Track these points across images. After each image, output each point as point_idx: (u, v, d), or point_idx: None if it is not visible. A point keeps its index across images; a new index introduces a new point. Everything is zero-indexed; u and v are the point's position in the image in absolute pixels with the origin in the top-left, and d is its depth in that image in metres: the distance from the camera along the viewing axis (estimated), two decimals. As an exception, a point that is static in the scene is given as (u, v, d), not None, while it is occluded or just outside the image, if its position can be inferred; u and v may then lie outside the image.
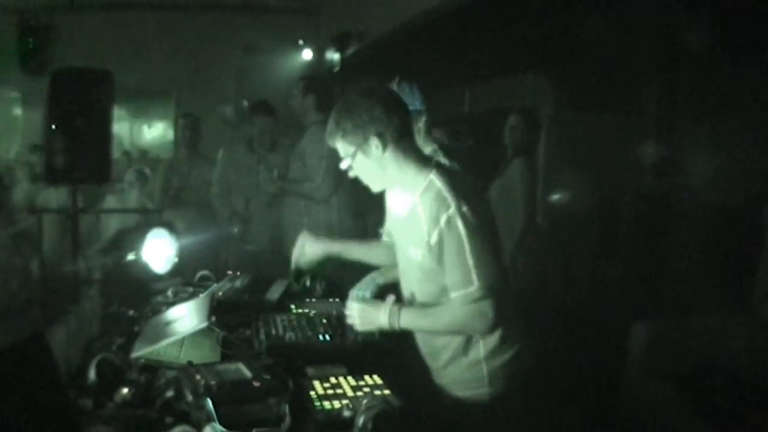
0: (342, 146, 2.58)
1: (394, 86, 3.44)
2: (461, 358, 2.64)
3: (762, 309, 4.53)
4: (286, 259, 4.69)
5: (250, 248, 5.55)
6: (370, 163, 2.54)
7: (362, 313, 2.66)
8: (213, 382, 2.18)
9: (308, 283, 3.93)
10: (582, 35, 5.53)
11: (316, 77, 5.32)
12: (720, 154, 5.04)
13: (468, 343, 2.62)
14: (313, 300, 3.69)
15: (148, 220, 5.72)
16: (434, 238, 2.46)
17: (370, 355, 2.74)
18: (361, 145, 2.50)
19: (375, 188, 2.68)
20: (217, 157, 5.86)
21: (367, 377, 2.53)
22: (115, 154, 10.44)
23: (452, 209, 2.41)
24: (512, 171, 5.00)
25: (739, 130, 4.87)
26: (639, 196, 5.50)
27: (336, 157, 3.88)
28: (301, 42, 10.06)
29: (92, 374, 2.32)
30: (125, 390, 2.22)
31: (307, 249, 3.11)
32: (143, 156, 10.73)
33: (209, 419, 2.02)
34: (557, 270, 4.81)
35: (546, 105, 6.46)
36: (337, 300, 3.68)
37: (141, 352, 2.59)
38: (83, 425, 1.99)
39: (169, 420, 2.08)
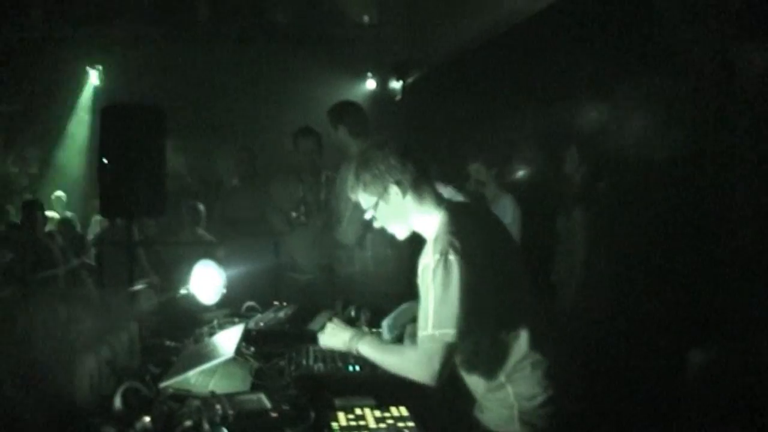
0: (364, 198, 2.70)
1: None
2: (494, 397, 2.63)
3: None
4: (336, 287, 4.74)
5: (302, 277, 5.57)
6: (393, 211, 2.66)
7: (331, 330, 2.83)
8: (231, 412, 2.20)
9: (353, 312, 3.94)
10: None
11: (344, 104, 5.21)
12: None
13: (498, 385, 2.60)
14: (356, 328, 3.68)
15: (199, 252, 5.81)
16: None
17: (401, 387, 2.71)
18: (382, 194, 2.62)
19: (400, 235, 2.77)
20: (271, 185, 5.91)
21: (393, 409, 2.52)
22: (191, 185, 10.72)
23: (436, 254, 2.42)
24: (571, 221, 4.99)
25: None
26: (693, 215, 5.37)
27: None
28: (369, 74, 10.14)
29: (118, 402, 2.36)
30: (147, 418, 2.25)
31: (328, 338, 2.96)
32: (218, 186, 10.94)
33: (224, 449, 2.03)
34: (611, 296, 4.70)
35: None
36: (380, 330, 3.67)
37: (169, 381, 2.63)
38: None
39: (186, 449, 2.10)
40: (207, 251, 5.71)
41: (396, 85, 9.08)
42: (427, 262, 2.47)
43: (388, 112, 9.32)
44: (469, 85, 7.59)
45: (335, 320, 2.90)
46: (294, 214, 5.48)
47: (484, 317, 2.49)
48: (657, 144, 5.63)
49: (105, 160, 4.16)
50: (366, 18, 9.88)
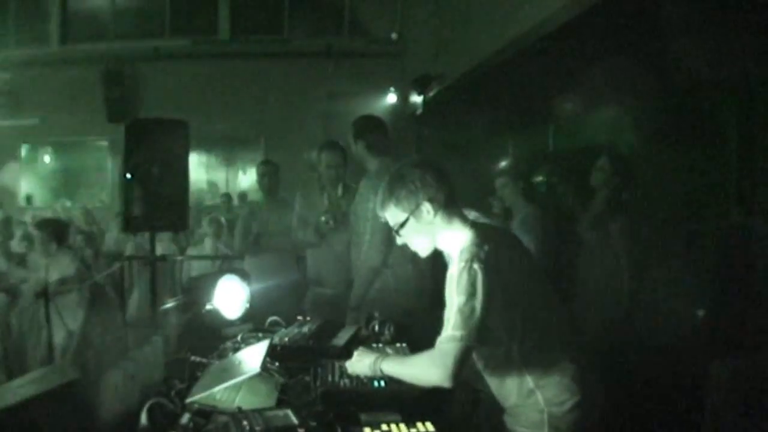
0: (394, 214, 2.73)
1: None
2: (525, 403, 2.67)
3: None
4: (356, 309, 4.72)
5: (327, 292, 5.55)
6: (421, 228, 2.71)
7: (358, 356, 2.84)
8: (258, 428, 2.19)
9: (377, 327, 3.92)
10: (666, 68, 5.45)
11: (367, 118, 5.21)
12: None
13: (528, 391, 2.64)
14: (380, 345, 3.66)
15: (223, 267, 5.82)
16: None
17: (426, 402, 2.70)
18: (414, 211, 2.67)
19: (424, 252, 2.82)
20: (295, 200, 5.92)
21: (419, 425, 2.51)
22: (215, 198, 10.77)
23: (461, 263, 2.49)
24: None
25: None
26: (722, 227, 5.34)
27: (381, 218, 3.90)
28: (392, 89, 10.16)
29: (143, 418, 2.36)
30: (173, 435, 2.24)
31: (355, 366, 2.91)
32: (243, 199, 11.00)
33: (252, 465, 2.02)
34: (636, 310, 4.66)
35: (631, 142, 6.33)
36: (404, 345, 3.65)
37: (195, 397, 2.62)
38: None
39: (212, 466, 2.09)
40: (232, 266, 5.72)
41: (417, 99, 9.07)
42: (453, 271, 2.52)
43: (409, 126, 9.32)
44: (490, 99, 7.59)
45: (362, 348, 2.92)
46: (323, 218, 5.47)
47: (512, 324, 2.57)
48: (676, 154, 5.63)
49: (129, 175, 4.17)
50: (391, 34, 9.91)
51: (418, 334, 4.25)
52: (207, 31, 9.60)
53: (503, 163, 5.83)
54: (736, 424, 4.15)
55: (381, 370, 2.72)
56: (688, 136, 5.58)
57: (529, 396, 2.64)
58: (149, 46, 9.41)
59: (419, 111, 8.93)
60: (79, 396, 1.95)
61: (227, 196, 10.90)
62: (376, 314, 4.06)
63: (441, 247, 2.75)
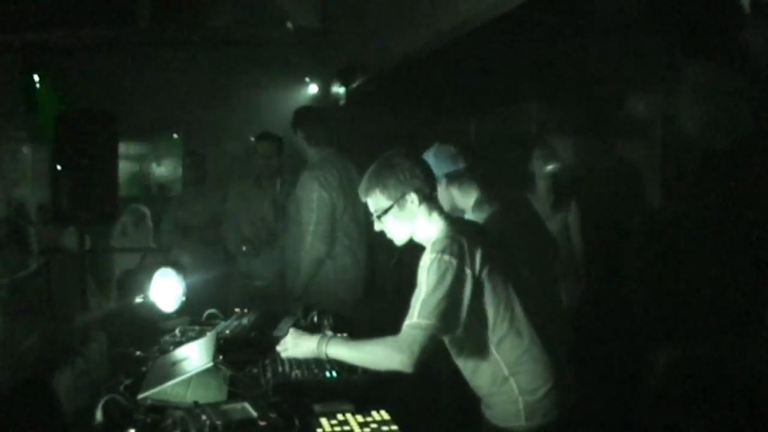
0: (377, 200, 2.76)
1: (435, 148, 3.49)
2: (499, 391, 2.71)
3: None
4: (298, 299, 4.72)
5: (257, 284, 5.54)
6: (403, 217, 2.74)
7: (294, 339, 2.82)
8: (219, 422, 2.18)
9: (316, 318, 3.94)
10: (585, 64, 5.58)
11: (306, 109, 5.25)
12: (732, 176, 5.04)
13: (503, 379, 2.68)
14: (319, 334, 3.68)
15: (155, 260, 5.73)
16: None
17: (378, 391, 2.73)
18: (398, 199, 2.71)
19: (400, 241, 2.84)
20: (227, 192, 5.89)
21: (374, 413, 2.54)
22: (131, 190, 10.54)
23: (432, 254, 2.55)
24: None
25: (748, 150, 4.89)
26: (649, 218, 5.50)
27: (327, 208, 3.96)
28: (307, 79, 10.09)
29: (99, 415, 2.32)
30: (132, 431, 2.21)
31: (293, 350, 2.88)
32: (162, 191, 10.79)
33: (216, 460, 2.02)
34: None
35: (548, 134, 6.47)
36: (345, 335, 3.67)
37: (148, 392, 2.59)
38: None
39: (175, 461, 2.07)
40: (161, 259, 5.64)
41: (340, 90, 9.04)
42: (424, 261, 2.58)
43: (331, 119, 9.29)
44: (416, 92, 7.63)
45: (293, 330, 2.90)
46: (243, 248, 5.53)
47: (483, 314, 2.61)
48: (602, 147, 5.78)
49: (59, 167, 4.08)
50: (309, 22, 9.83)
51: (356, 324, 4.31)
52: (126, 18, 9.36)
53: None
54: (672, 410, 4.30)
55: (327, 354, 2.70)
56: (614, 131, 5.74)
57: (503, 384, 2.68)
58: (68, 35, 9.15)
59: (342, 102, 8.91)
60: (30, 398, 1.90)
61: (146, 188, 10.69)
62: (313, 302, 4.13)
63: (416, 237, 2.79)
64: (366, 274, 5.00)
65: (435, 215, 2.75)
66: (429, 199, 2.73)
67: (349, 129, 8.65)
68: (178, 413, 2.38)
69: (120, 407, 2.43)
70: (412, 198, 2.70)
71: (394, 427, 2.42)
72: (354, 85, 8.61)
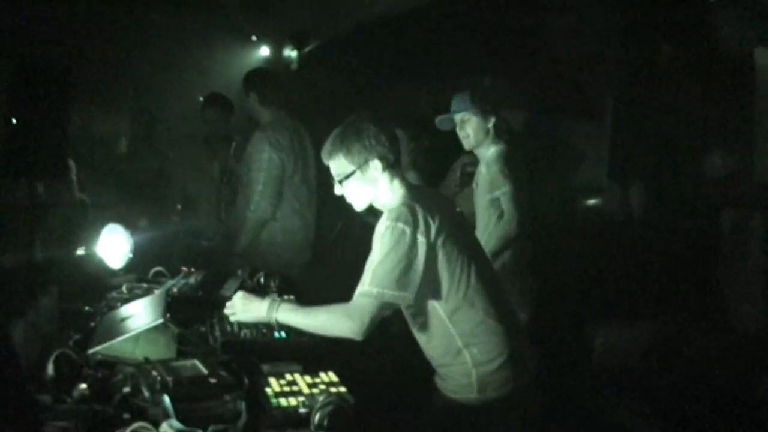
0: (340, 165, 2.74)
1: (486, 89, 3.80)
2: (453, 362, 2.73)
3: (723, 313, 4.64)
4: (239, 256, 4.74)
5: (203, 243, 5.53)
6: (365, 183, 2.74)
7: (243, 304, 2.82)
8: (169, 379, 2.21)
9: (263, 279, 3.97)
10: (540, 38, 5.64)
11: (258, 71, 5.25)
12: (679, 158, 5.16)
13: (457, 350, 2.70)
14: (268, 297, 3.71)
15: (102, 216, 5.67)
16: None
17: (326, 353, 2.78)
18: (362, 165, 2.70)
19: (359, 206, 2.85)
20: (174, 150, 5.86)
21: (323, 374, 2.58)
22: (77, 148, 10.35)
23: (388, 221, 2.57)
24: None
25: (695, 134, 5.00)
26: (595, 197, 5.61)
27: (276, 169, 3.98)
28: (254, 38, 9.98)
29: (50, 369, 2.33)
30: (83, 386, 2.23)
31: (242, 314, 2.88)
32: (108, 149, 10.64)
33: (166, 416, 2.04)
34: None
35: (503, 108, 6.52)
36: (291, 297, 3.71)
37: (97, 348, 2.59)
38: (42, 420, 2.00)
39: (126, 416, 2.09)
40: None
41: (292, 53, 8.98)
42: (380, 228, 2.59)
43: (284, 80, 9.23)
44: (369, 59, 7.63)
45: (242, 293, 2.88)
46: (179, 206, 5.58)
47: (438, 284, 2.63)
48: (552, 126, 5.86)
49: (14, 120, 4.00)
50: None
51: (303, 287, 4.35)
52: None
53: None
54: (610, 388, 4.43)
55: (277, 319, 2.70)
56: (565, 109, 5.81)
57: (457, 355, 2.69)
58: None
59: (294, 66, 8.86)
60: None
61: (91, 144, 10.52)
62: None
63: (376, 203, 2.79)
64: (314, 238, 5.03)
65: (396, 183, 2.75)
66: (392, 166, 2.73)
67: (301, 93, 8.62)
68: (129, 369, 2.40)
69: (70, 362, 2.44)
70: (376, 164, 2.69)
71: (342, 389, 2.46)
72: (306, 49, 8.57)
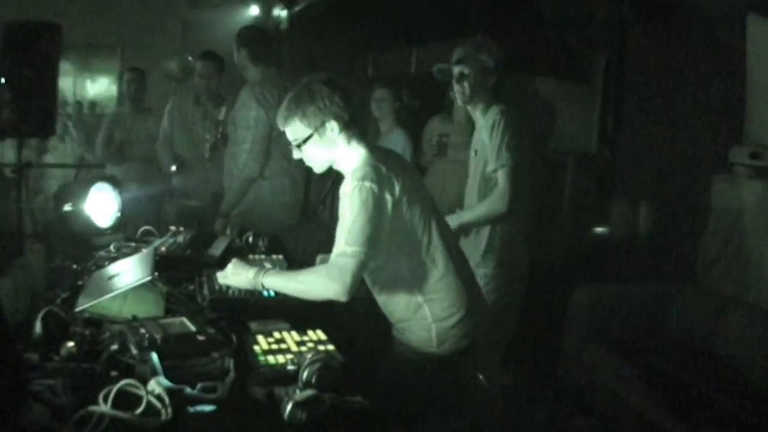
0: (297, 129, 2.72)
1: (476, 40, 3.78)
2: (413, 317, 2.77)
3: (705, 276, 4.67)
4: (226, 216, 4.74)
5: (192, 204, 5.53)
6: (323, 145, 2.72)
7: (233, 269, 2.80)
8: (157, 336, 2.21)
9: (251, 239, 3.97)
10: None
11: (251, 28, 5.22)
12: (667, 123, 5.15)
13: (416, 306, 2.74)
14: (256, 256, 3.72)
15: (90, 174, 5.67)
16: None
17: (314, 311, 2.78)
18: (318, 127, 2.68)
19: (319, 169, 2.84)
20: (165, 110, 5.82)
21: (311, 332, 2.60)
22: (63, 106, 10.27)
23: (354, 181, 2.56)
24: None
25: (684, 99, 4.98)
26: (583, 161, 5.60)
27: (264, 128, 3.98)
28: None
29: (38, 327, 2.32)
30: (71, 343, 2.22)
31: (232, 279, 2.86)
32: (92, 109, 10.56)
33: (154, 373, 2.04)
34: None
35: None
36: (280, 257, 3.72)
37: (85, 305, 2.59)
38: (30, 378, 2.00)
39: (114, 374, 2.09)
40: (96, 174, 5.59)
41: (282, 13, 8.92)
42: (346, 190, 2.58)
43: (273, 40, 9.16)
44: (357, 18, 7.57)
45: (236, 260, 2.86)
46: (174, 168, 5.61)
47: (401, 241, 2.65)
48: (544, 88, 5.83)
49: (2, 79, 3.97)
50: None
51: (292, 247, 4.35)
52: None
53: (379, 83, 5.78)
54: (594, 347, 4.46)
55: (262, 284, 2.71)
56: (556, 71, 5.78)
57: (416, 310, 2.74)
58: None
59: (283, 25, 8.80)
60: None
61: (79, 104, 10.46)
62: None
63: (336, 165, 2.79)
64: (303, 198, 5.02)
65: (354, 143, 2.74)
66: (348, 126, 2.72)
67: (290, 53, 8.57)
68: (117, 326, 2.40)
69: (58, 320, 2.44)
70: (332, 126, 2.68)
71: (331, 346, 2.48)
72: (296, 9, 8.51)
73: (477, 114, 3.90)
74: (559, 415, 4.37)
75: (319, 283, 2.56)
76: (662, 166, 5.12)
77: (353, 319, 2.91)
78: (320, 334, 2.58)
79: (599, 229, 5.39)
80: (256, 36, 4.94)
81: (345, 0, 7.30)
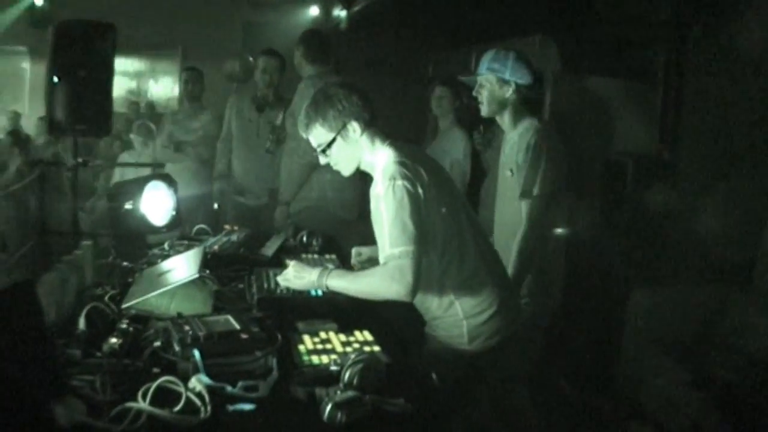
0: (319, 134, 2.72)
1: (510, 55, 3.55)
2: (445, 315, 2.74)
3: (763, 281, 4.52)
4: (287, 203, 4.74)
5: (249, 202, 5.55)
6: (347, 147, 2.71)
7: (295, 271, 2.77)
8: (201, 333, 2.18)
9: (305, 238, 3.95)
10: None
11: (309, 29, 5.26)
12: (728, 123, 4.99)
13: (448, 303, 2.72)
14: (310, 255, 3.70)
15: (151, 174, 5.71)
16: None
17: (360, 312, 2.74)
18: (340, 130, 2.67)
19: (347, 172, 2.82)
20: (225, 110, 5.85)
21: (357, 333, 2.56)
22: (123, 107, 10.46)
23: (385, 182, 2.52)
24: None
25: (746, 99, 4.82)
26: (642, 162, 5.46)
27: None
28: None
29: (82, 324, 2.33)
30: (113, 340, 2.22)
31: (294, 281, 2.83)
32: (151, 110, 10.72)
33: (196, 370, 2.03)
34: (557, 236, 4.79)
35: (551, 68, 6.38)
36: (333, 256, 3.69)
37: (131, 302, 2.59)
38: (69, 374, 2.00)
39: (156, 370, 2.08)
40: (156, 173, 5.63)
41: (341, 13, 8.94)
42: (378, 191, 2.56)
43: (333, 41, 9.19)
44: (416, 19, 7.53)
45: (296, 262, 2.84)
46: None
47: (434, 237, 2.60)
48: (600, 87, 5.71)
49: (56, 78, 4.02)
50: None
51: (346, 246, 4.32)
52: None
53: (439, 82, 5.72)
54: (651, 351, 4.35)
55: (327, 287, 2.67)
56: (615, 70, 5.64)
57: (448, 308, 2.72)
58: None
59: (343, 26, 8.81)
60: (16, 301, 1.89)
61: (136, 105, 10.63)
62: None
63: (363, 166, 2.76)
64: (360, 196, 5.00)
65: (378, 142, 2.71)
66: (370, 125, 2.70)
67: (349, 53, 8.56)
68: (161, 323, 2.39)
69: (103, 316, 2.44)
70: (354, 127, 2.66)
71: (376, 347, 2.43)
72: (355, 9, 8.50)
73: (506, 124, 3.68)
74: (614, 420, 4.27)
75: (382, 285, 2.51)
76: (723, 166, 4.96)
77: (401, 320, 2.86)
78: (367, 335, 2.54)
79: (656, 230, 5.23)
80: (312, 35, 4.99)
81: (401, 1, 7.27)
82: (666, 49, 5.38)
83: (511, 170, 3.62)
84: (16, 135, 7.42)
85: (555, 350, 4.21)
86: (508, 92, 3.55)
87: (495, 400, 2.95)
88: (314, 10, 9.99)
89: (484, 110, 3.65)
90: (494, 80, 3.54)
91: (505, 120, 3.66)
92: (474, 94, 3.65)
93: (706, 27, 5.08)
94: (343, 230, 4.52)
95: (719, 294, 4.52)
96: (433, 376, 2.45)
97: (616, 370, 4.59)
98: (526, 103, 3.64)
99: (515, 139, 3.61)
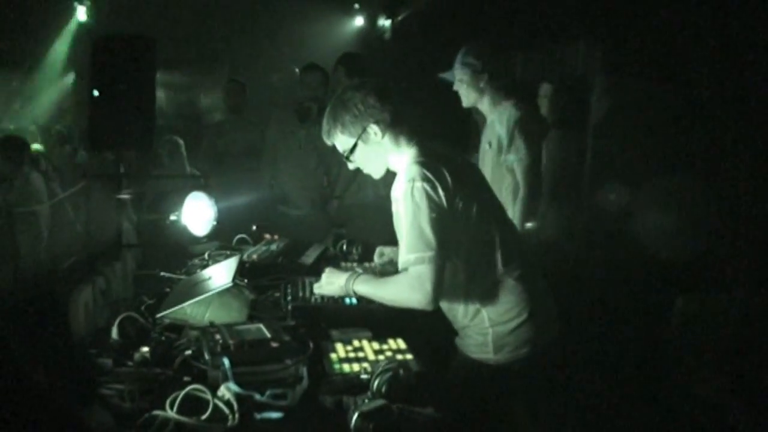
0: (342, 141, 2.68)
1: (480, 48, 4.00)
2: (471, 323, 2.65)
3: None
4: (328, 223, 4.74)
5: (292, 212, 5.56)
6: (371, 151, 2.66)
7: (327, 277, 2.78)
8: (231, 342, 2.18)
9: (345, 247, 3.94)
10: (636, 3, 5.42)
11: (351, 53, 5.44)
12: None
13: (475, 311, 2.63)
14: (349, 264, 3.68)
15: (193, 186, 5.76)
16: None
17: (397, 319, 2.71)
18: (361, 135, 2.62)
19: (377, 175, 2.77)
20: (269, 121, 5.89)
21: (391, 341, 2.54)
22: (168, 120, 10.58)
23: (405, 184, 2.46)
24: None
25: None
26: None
27: None
28: (356, 6, 9.97)
29: (114, 333, 2.35)
30: (145, 349, 2.24)
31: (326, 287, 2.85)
32: (197, 121, 10.83)
33: (225, 378, 2.02)
34: (600, 241, 4.73)
35: (597, 73, 6.31)
36: (373, 264, 3.67)
37: (166, 311, 2.61)
38: (98, 383, 2.01)
39: (186, 379, 2.09)
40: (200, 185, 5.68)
41: (385, 23, 8.96)
42: (398, 193, 2.51)
43: (377, 50, 9.21)
44: (460, 27, 7.49)
45: (329, 268, 2.84)
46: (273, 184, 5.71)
47: (457, 241, 2.50)
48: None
49: (96, 92, 4.06)
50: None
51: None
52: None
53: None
54: (696, 357, 4.26)
55: (354, 291, 2.66)
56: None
57: (475, 316, 2.62)
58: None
59: (387, 35, 8.83)
60: (50, 310, 1.91)
61: (182, 118, 10.73)
62: (343, 231, 4.16)
63: (392, 167, 2.71)
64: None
65: (403, 141, 2.64)
66: (392, 126, 2.62)
67: (394, 61, 8.57)
68: (194, 332, 2.40)
69: (137, 325, 2.46)
70: (374, 129, 2.60)
71: (409, 356, 2.41)
72: (399, 18, 8.51)
73: (485, 108, 4.11)
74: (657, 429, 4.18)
75: (403, 293, 2.48)
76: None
77: (438, 328, 2.82)
78: (401, 343, 2.52)
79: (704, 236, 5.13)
80: (353, 55, 5.26)
81: (447, 8, 7.24)
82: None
83: (490, 143, 4.08)
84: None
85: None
86: (482, 82, 3.99)
87: (525, 413, 2.87)
88: (359, 21, 10.01)
89: (465, 101, 4.10)
90: (469, 73, 3.98)
91: (485, 105, 4.10)
92: (455, 88, 4.07)
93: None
94: (388, 237, 4.52)
95: (760, 299, 4.42)
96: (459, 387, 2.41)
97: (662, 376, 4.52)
98: (503, 88, 4.09)
99: (495, 117, 4.06)
